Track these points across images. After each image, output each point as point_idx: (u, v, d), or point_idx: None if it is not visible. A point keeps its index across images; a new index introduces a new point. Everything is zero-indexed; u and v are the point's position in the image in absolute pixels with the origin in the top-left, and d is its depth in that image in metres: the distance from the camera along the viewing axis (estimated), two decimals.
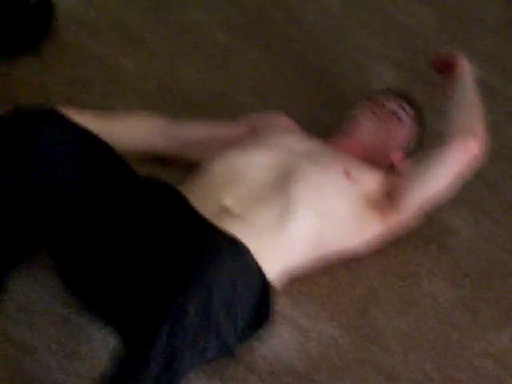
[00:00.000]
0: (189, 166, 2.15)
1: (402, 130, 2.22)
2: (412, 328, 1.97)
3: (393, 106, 2.22)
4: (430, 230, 2.20)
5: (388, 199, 2.04)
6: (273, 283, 1.81)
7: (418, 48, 2.75)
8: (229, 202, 1.87)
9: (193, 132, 2.20)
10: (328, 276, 2.03)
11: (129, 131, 2.18)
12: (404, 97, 2.27)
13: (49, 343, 1.75)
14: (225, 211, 1.85)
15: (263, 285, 1.74)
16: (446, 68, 2.23)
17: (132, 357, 1.56)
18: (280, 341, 1.87)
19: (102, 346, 1.77)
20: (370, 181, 2.05)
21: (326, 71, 2.62)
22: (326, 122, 2.40)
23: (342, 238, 2.00)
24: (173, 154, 2.20)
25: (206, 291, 1.56)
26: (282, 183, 1.92)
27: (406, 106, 2.23)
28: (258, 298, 1.72)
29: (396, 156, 2.21)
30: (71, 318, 1.80)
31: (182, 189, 1.91)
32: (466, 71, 2.18)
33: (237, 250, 1.68)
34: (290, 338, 1.89)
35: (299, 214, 1.88)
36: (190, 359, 1.59)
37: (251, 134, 2.15)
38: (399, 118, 2.21)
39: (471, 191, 2.32)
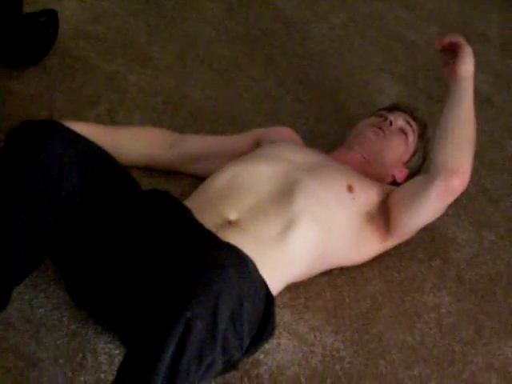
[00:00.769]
0: (194, 178, 2.17)
1: (408, 147, 2.22)
2: (416, 342, 1.98)
3: (399, 122, 2.21)
4: (435, 244, 2.20)
5: (384, 221, 2.04)
6: (276, 295, 1.82)
7: (422, 64, 2.76)
8: (232, 214, 1.88)
9: (196, 146, 2.21)
10: (333, 290, 2.03)
11: (132, 143, 2.19)
12: (410, 112, 2.27)
13: (55, 356, 1.76)
14: (228, 224, 1.86)
15: (267, 298, 1.74)
16: (449, 49, 2.11)
17: (137, 370, 1.56)
18: (285, 354, 1.88)
19: (107, 359, 1.78)
20: (372, 195, 2.06)
21: (330, 86, 2.63)
22: (330, 137, 2.42)
23: (342, 252, 2.01)
24: (176, 167, 2.22)
25: (212, 305, 1.56)
26: (286, 196, 1.93)
27: (412, 122, 2.24)
28: (263, 311, 1.73)
29: (399, 172, 2.22)
30: (77, 332, 1.81)
31: (187, 202, 1.92)
32: (467, 68, 2.05)
33: (242, 262, 1.68)
34: (295, 351, 1.89)
35: (302, 227, 1.89)
36: (195, 374, 1.58)
37: (255, 148, 2.16)
38: (405, 135, 2.21)
39: (475, 206, 2.33)
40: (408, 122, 2.22)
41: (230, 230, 1.85)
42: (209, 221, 1.85)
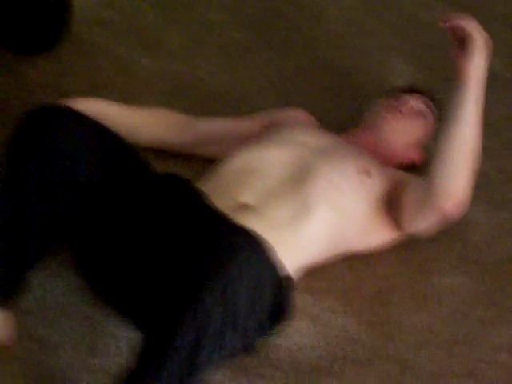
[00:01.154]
0: (207, 161, 2.16)
1: (425, 128, 2.21)
2: (433, 322, 1.97)
3: (418, 103, 2.19)
4: (452, 226, 2.18)
5: (395, 211, 2.01)
6: (293, 279, 1.81)
7: (437, 44, 2.74)
8: (246, 197, 1.88)
9: (211, 128, 2.21)
10: (349, 271, 2.03)
11: (148, 125, 2.19)
12: (428, 94, 2.25)
13: (71, 340, 1.76)
14: (242, 206, 1.86)
15: (284, 280, 1.74)
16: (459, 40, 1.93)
17: (153, 350, 1.56)
18: (304, 337, 1.87)
19: (124, 341, 1.78)
20: (385, 181, 2.03)
21: (345, 67, 2.62)
22: (344, 118, 2.40)
23: (354, 236, 1.99)
24: (189, 150, 2.21)
25: (229, 288, 1.56)
26: (300, 179, 1.92)
27: (429, 103, 2.22)
28: (280, 293, 1.72)
29: (416, 154, 2.21)
30: (93, 315, 1.81)
31: (200, 184, 1.92)
32: (476, 65, 1.89)
33: (258, 245, 1.67)
34: (313, 333, 1.88)
35: (316, 210, 1.88)
36: (212, 354, 1.59)
37: (269, 130, 2.14)
38: (424, 116, 2.19)
39: (493, 187, 2.31)
40: (426, 104, 2.21)
41: (245, 213, 1.85)
42: (223, 204, 1.84)
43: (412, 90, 2.26)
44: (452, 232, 2.17)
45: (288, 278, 1.76)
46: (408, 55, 2.70)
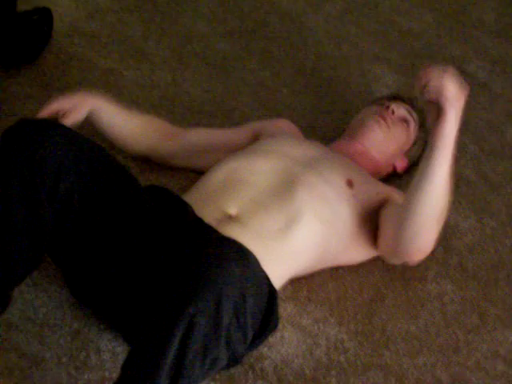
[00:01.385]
0: (192, 173, 2.16)
1: (409, 136, 2.22)
2: (420, 331, 1.97)
3: (401, 111, 2.21)
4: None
5: (374, 230, 2.02)
6: (278, 290, 1.82)
7: (419, 51, 2.75)
8: (232, 208, 1.88)
9: (198, 138, 2.20)
10: (335, 281, 2.03)
11: (140, 132, 2.17)
12: (410, 101, 2.25)
13: (59, 355, 1.75)
14: (228, 218, 1.85)
15: (269, 291, 1.74)
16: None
17: (142, 367, 1.56)
18: (289, 347, 1.88)
19: (111, 357, 1.78)
20: (371, 192, 2.04)
21: (327, 76, 2.63)
22: (328, 127, 2.41)
23: (342, 248, 1.99)
24: (176, 161, 2.20)
25: (215, 301, 1.55)
26: (286, 190, 1.92)
27: (412, 111, 2.23)
28: (265, 305, 1.72)
29: (399, 162, 2.21)
30: (80, 330, 1.81)
31: (185, 197, 1.92)
32: (450, 130, 1.83)
33: (243, 257, 1.67)
34: (299, 343, 1.89)
35: (303, 221, 1.88)
36: (200, 369, 1.59)
37: (254, 141, 2.15)
38: (407, 124, 2.20)
39: (475, 193, 2.32)
40: (409, 112, 2.22)
41: (230, 224, 1.84)
42: (208, 216, 1.84)
43: (394, 98, 2.27)
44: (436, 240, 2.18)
45: (273, 289, 1.76)
46: (389, 62, 2.71)
